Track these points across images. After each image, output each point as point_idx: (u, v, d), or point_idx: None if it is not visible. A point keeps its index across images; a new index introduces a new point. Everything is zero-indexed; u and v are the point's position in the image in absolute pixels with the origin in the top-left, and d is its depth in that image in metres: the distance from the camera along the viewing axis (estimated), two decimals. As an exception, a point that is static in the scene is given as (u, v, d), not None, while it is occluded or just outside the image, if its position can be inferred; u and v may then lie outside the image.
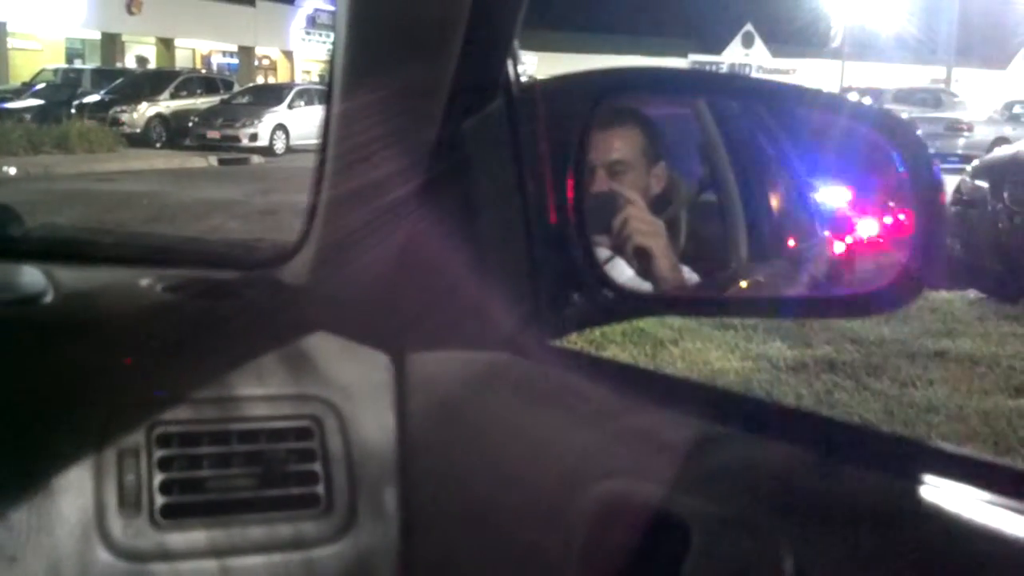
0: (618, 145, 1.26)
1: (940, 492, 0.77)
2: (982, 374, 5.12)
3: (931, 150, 1.10)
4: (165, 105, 21.82)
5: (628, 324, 5.59)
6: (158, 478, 1.12)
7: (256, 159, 19.14)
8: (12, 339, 1.16)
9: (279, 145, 20.48)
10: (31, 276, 1.27)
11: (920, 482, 0.79)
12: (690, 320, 5.74)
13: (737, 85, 1.33)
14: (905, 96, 24.77)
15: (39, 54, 30.82)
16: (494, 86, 1.13)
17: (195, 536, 1.13)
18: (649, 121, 1.32)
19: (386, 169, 1.18)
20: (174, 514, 1.12)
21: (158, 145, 20.48)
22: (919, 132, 1.14)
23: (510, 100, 1.12)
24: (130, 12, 31.97)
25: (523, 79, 1.14)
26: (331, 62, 1.22)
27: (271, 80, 36.54)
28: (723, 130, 1.43)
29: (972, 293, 7.01)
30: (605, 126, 1.20)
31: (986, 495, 0.75)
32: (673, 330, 5.69)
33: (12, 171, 14.11)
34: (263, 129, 20.40)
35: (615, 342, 5.42)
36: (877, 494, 0.80)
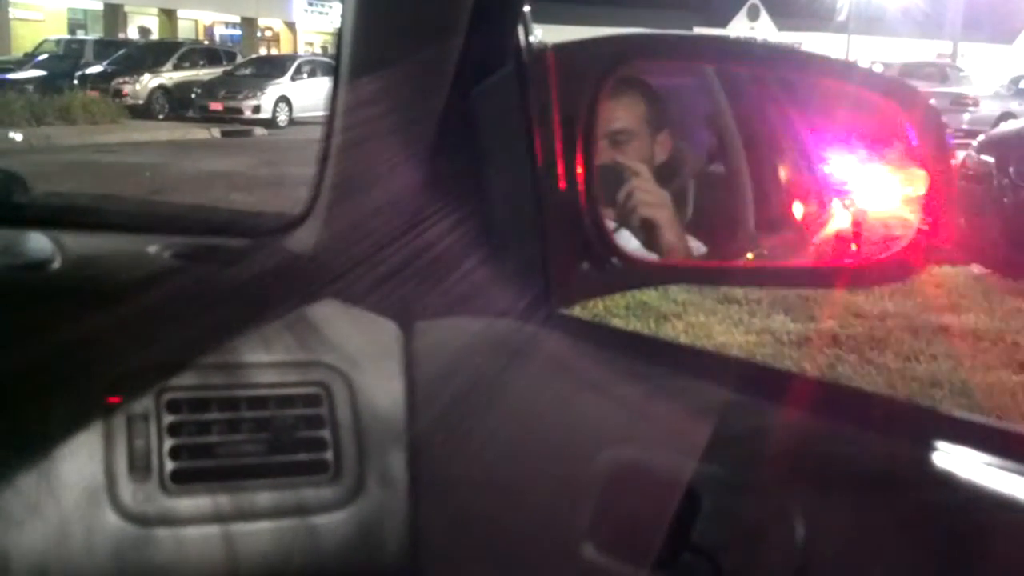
0: (620, 114, 1.25)
1: (947, 456, 0.78)
2: (986, 349, 5.12)
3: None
4: (168, 76, 21.70)
5: (631, 298, 5.58)
6: (168, 443, 1.13)
7: (259, 131, 19.06)
8: (20, 305, 1.16)
9: (282, 117, 20.39)
10: (38, 242, 1.27)
11: (928, 447, 0.79)
12: (694, 294, 5.74)
13: (749, 51, 1.32)
14: (911, 71, 24.56)
15: (41, 25, 30.66)
16: (504, 53, 1.13)
17: (204, 501, 1.13)
18: (651, 89, 1.31)
19: (394, 137, 1.17)
20: (184, 479, 1.13)
21: (160, 116, 20.37)
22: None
23: (520, 67, 1.12)
24: (132, -18, 31.83)
25: (534, 46, 1.13)
26: (339, 29, 1.22)
27: (274, 52, 36.37)
28: (731, 100, 1.42)
29: (976, 268, 6.99)
30: (606, 96, 1.19)
31: (993, 459, 0.75)
32: (677, 304, 5.68)
33: (19, 137, 14.08)
34: (266, 101, 20.31)
35: (618, 316, 5.42)
36: (886, 459, 0.80)
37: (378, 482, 1.20)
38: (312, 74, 21.28)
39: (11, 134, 14.31)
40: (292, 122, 20.17)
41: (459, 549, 1.19)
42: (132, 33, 33.74)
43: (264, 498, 1.16)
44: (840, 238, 1.32)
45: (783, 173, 1.44)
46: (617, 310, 5.49)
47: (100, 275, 1.25)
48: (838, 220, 1.32)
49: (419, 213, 1.17)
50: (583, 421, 1.03)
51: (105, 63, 22.16)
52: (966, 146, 7.78)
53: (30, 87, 18.89)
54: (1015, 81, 25.58)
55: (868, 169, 1.26)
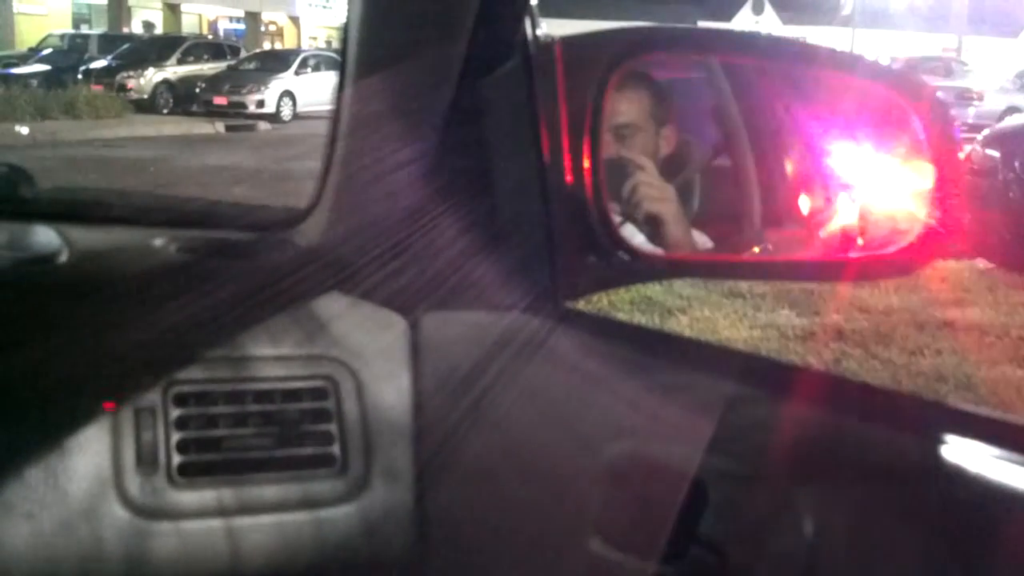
0: (625, 108, 1.25)
1: (954, 449, 0.78)
2: (991, 344, 5.11)
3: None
4: (172, 71, 21.71)
5: (636, 292, 5.58)
6: (175, 437, 1.13)
7: (263, 126, 19.08)
8: (27, 298, 1.16)
9: (286, 112, 20.40)
10: (45, 236, 1.27)
11: (935, 440, 0.79)
12: (699, 288, 5.74)
13: (755, 44, 1.31)
14: (916, 65, 24.50)
15: (45, 19, 30.66)
16: (511, 46, 1.13)
17: (212, 494, 1.13)
18: (656, 83, 1.31)
19: (400, 130, 1.17)
20: (191, 473, 1.13)
21: (165, 111, 20.38)
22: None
23: (527, 59, 1.12)
24: (136, -23, 31.83)
25: (541, 39, 1.13)
26: (346, 22, 1.22)
27: (278, 46, 36.38)
28: (737, 93, 1.41)
29: (981, 263, 6.98)
30: (613, 89, 1.19)
31: (1000, 452, 0.75)
32: (682, 299, 5.68)
33: (25, 131, 14.12)
34: (270, 95, 20.31)
35: (622, 311, 5.41)
36: (893, 452, 0.80)
37: (384, 476, 1.20)
38: (316, 68, 21.28)
39: (16, 129, 14.32)
40: (296, 116, 20.17)
41: (465, 543, 1.19)
42: (136, 27, 33.73)
43: (270, 492, 1.16)
44: (846, 232, 1.31)
45: (789, 167, 1.43)
46: (622, 305, 5.49)
47: (107, 269, 1.25)
48: (844, 214, 1.31)
49: (425, 206, 1.17)
50: (589, 415, 1.03)
51: (109, 58, 22.17)
52: (971, 140, 7.76)
53: (34, 82, 18.95)
54: (1020, 75, 25.49)
55: (874, 162, 1.25)
